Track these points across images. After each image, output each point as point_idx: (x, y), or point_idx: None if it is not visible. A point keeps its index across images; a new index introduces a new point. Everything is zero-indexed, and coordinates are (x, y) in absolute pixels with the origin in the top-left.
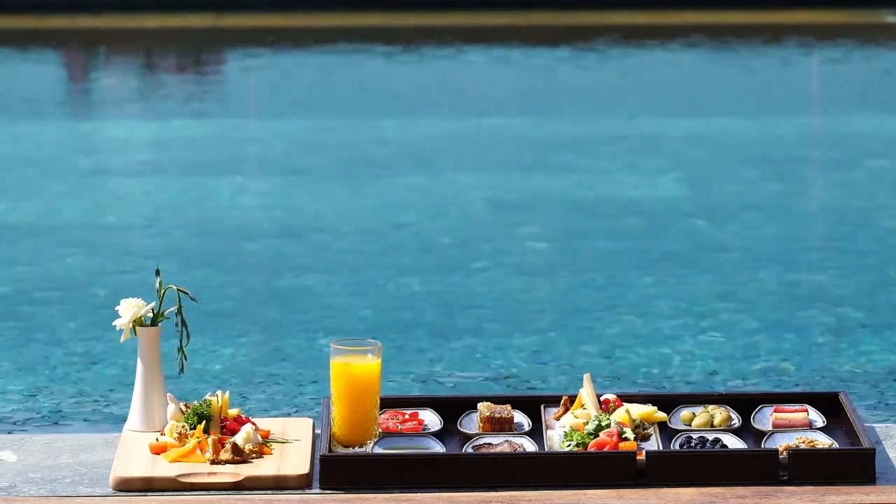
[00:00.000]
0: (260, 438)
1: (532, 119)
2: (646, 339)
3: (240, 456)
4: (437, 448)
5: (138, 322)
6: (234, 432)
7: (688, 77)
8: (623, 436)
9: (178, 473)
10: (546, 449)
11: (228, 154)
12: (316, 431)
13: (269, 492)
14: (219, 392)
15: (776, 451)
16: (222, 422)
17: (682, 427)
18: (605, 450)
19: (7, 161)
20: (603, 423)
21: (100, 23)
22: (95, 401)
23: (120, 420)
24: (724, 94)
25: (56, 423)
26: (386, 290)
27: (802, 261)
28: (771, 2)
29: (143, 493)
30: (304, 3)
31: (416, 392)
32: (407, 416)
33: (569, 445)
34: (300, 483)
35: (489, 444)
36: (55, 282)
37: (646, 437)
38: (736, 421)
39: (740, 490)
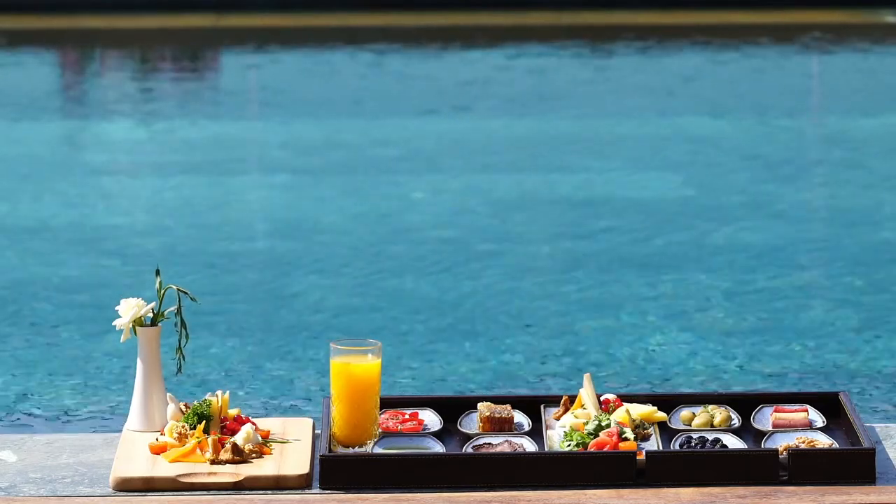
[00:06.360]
0: (260, 438)
1: (532, 119)
2: (646, 338)
3: (240, 456)
4: (437, 448)
5: (138, 322)
6: (234, 432)
7: (688, 77)
8: (623, 436)
9: (178, 473)
10: (546, 449)
11: (227, 154)
12: (316, 431)
13: (269, 492)
14: (219, 392)
15: (776, 451)
16: (222, 422)
17: (682, 427)
18: (605, 450)
19: (6, 161)
20: (603, 423)
21: (99, 23)
22: (95, 401)
23: (120, 420)
24: (724, 94)
25: (57, 423)
26: (386, 291)
27: (803, 261)
28: (771, 2)
29: (143, 493)
30: (304, 3)
31: (415, 392)
32: (407, 416)
33: (569, 445)
34: (300, 483)
35: (489, 444)
36: (54, 282)
37: (646, 437)
38: (736, 421)
39: (740, 490)
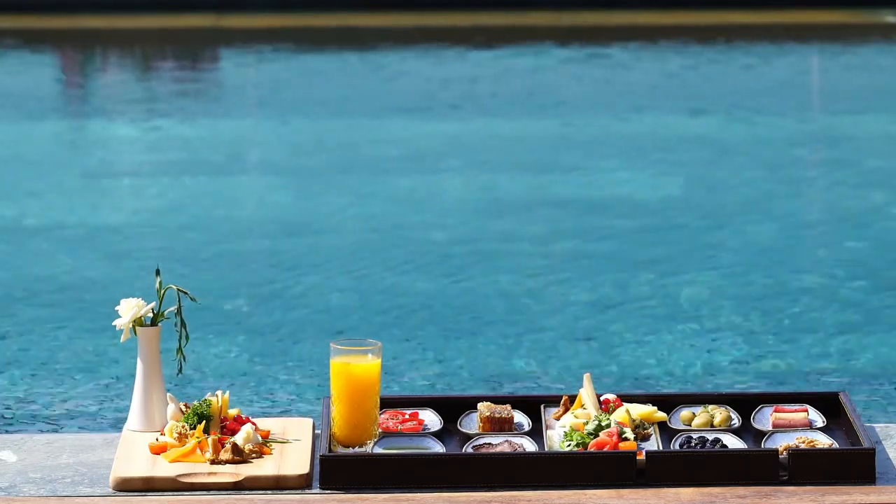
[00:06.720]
0: (260, 438)
1: (532, 119)
2: (646, 338)
3: (240, 456)
4: (437, 448)
5: (138, 322)
6: (234, 432)
7: (688, 77)
8: (623, 436)
9: (178, 473)
10: (546, 449)
11: (227, 154)
12: (316, 431)
13: (269, 492)
14: (219, 392)
15: (776, 451)
16: (222, 422)
17: (682, 427)
18: (605, 450)
19: (6, 161)
20: (603, 423)
21: (99, 23)
22: (95, 401)
23: (120, 420)
24: (724, 95)
25: (56, 423)
26: (386, 291)
27: (801, 260)
28: (771, 2)
29: (143, 493)
30: (304, 3)
31: (416, 392)
32: (407, 416)
33: (569, 445)
34: (300, 483)
35: (489, 444)
36: (54, 282)
37: (646, 437)
38: (736, 421)
39: (740, 490)
